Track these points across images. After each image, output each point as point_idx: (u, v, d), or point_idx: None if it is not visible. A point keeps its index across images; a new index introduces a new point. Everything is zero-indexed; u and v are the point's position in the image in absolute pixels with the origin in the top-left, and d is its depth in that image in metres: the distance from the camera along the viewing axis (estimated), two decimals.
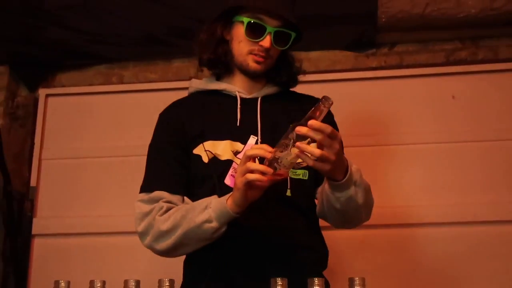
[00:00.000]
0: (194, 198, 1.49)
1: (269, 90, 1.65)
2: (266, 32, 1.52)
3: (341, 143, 1.30)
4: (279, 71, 1.64)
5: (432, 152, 2.56)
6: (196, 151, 1.53)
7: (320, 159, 1.26)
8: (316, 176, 1.55)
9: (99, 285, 0.97)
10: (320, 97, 1.28)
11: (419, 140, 2.58)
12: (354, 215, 1.51)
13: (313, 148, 1.26)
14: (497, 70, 2.62)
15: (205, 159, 1.52)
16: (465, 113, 2.59)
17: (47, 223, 2.71)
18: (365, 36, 2.67)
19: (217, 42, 1.60)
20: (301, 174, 1.53)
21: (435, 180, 2.53)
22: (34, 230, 2.70)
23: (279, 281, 0.93)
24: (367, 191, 1.48)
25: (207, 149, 1.52)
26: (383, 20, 2.45)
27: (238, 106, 1.59)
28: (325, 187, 1.45)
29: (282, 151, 1.27)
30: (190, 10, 2.45)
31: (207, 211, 1.37)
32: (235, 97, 1.61)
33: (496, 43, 2.72)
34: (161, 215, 1.46)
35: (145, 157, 2.71)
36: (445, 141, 2.57)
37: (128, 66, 2.97)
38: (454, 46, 2.74)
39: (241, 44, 1.56)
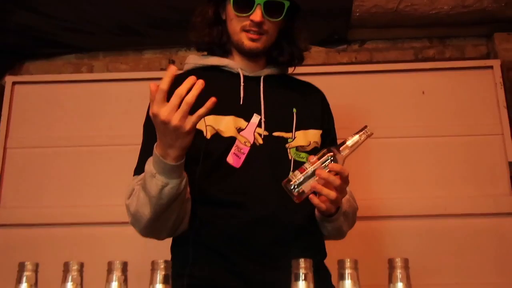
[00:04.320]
0: (191, 176, 1.38)
1: (271, 71, 1.59)
2: (256, 5, 1.45)
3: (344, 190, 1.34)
4: (282, 49, 1.58)
5: (404, 146, 2.60)
6: (197, 125, 1.42)
7: (331, 201, 1.30)
8: None
9: (75, 267, 0.88)
10: (362, 126, 1.33)
11: (390, 134, 2.62)
12: (336, 238, 1.56)
13: (329, 191, 1.29)
14: (464, 67, 2.68)
15: (207, 134, 1.43)
16: (435, 108, 2.64)
17: (11, 213, 2.64)
18: (337, 32, 2.70)
19: (209, 23, 1.55)
20: (305, 158, 1.47)
21: (406, 173, 2.58)
22: None
23: (302, 263, 0.82)
24: (354, 214, 1.51)
25: (208, 124, 1.44)
26: (357, 14, 2.48)
27: (241, 83, 1.52)
28: (315, 212, 1.46)
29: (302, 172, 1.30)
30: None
31: (148, 168, 1.30)
32: (237, 74, 1.54)
33: (463, 42, 2.79)
34: (129, 197, 1.39)
35: (114, 147, 2.74)
36: (416, 136, 2.62)
37: (99, 57, 2.94)
38: (422, 44, 2.81)
39: (232, 22, 1.50)
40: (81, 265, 0.86)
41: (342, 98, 2.68)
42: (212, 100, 1.20)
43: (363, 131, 1.32)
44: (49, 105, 2.81)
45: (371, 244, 2.49)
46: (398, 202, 2.53)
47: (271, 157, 1.44)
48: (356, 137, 1.31)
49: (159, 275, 0.82)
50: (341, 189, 1.30)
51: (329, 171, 1.28)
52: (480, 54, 2.77)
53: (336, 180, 1.27)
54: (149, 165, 1.29)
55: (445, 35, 2.76)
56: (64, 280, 0.84)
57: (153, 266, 0.83)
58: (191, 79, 1.19)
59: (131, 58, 2.92)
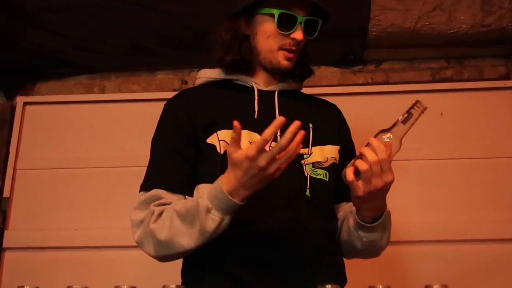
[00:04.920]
0: None
1: (287, 85, 1.55)
2: (297, 23, 1.41)
3: (389, 184, 1.25)
4: (299, 64, 1.53)
5: (422, 168, 2.53)
6: (210, 140, 1.39)
7: (366, 176, 1.22)
8: (337, 181, 1.46)
9: None
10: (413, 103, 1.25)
11: (408, 157, 2.53)
12: (370, 255, 1.47)
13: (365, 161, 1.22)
14: (482, 88, 2.62)
15: (221, 150, 1.38)
16: (453, 130, 2.58)
17: (19, 236, 2.58)
18: (352, 52, 2.66)
19: (240, 40, 1.48)
20: (322, 175, 1.43)
21: (424, 197, 2.50)
22: (6, 243, 2.56)
23: None
24: (390, 232, 1.42)
25: (221, 139, 1.39)
26: (373, 34, 2.43)
27: (256, 97, 1.47)
28: (349, 221, 1.38)
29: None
30: (180, 17, 2.39)
31: (202, 202, 1.25)
32: (251, 88, 1.50)
33: (481, 63, 2.73)
34: (154, 221, 1.32)
35: (125, 169, 2.69)
36: (435, 158, 2.54)
37: (111, 77, 2.90)
38: (440, 65, 2.75)
39: (270, 40, 1.44)
40: None
41: (357, 120, 2.62)
42: (302, 133, 1.16)
43: (415, 106, 1.25)
44: (60, 126, 2.77)
45: (390, 270, 2.40)
46: (417, 226, 2.44)
47: (287, 173, 1.38)
48: (407, 115, 1.25)
49: None
50: (377, 174, 1.21)
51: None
52: (499, 75, 2.70)
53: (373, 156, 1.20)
54: (203, 198, 1.24)
55: (463, 55, 2.70)
56: None
57: None
58: (293, 127, 1.14)
59: (143, 79, 2.89)
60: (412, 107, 1.25)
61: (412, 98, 2.61)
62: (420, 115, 1.24)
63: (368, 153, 1.20)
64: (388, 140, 1.23)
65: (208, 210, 1.22)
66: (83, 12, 2.41)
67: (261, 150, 1.12)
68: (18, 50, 2.63)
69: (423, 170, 2.54)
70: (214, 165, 1.36)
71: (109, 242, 2.53)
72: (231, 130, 1.38)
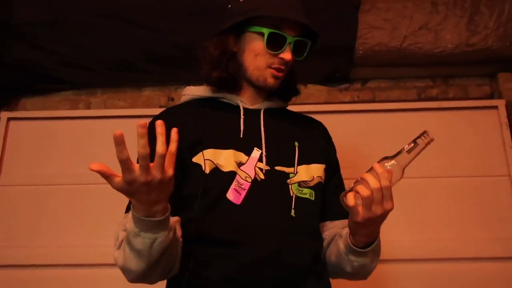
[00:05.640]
0: (190, 213, 1.34)
1: (272, 104, 1.54)
2: (287, 43, 1.40)
3: (388, 212, 1.24)
4: (286, 84, 1.52)
5: (407, 187, 2.52)
6: (195, 159, 1.38)
7: (367, 203, 1.20)
8: (323, 200, 1.46)
9: None
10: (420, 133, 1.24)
11: None
12: (358, 278, 1.45)
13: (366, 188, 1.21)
14: (468, 107, 2.64)
15: (206, 169, 1.37)
16: (439, 149, 2.59)
17: (3, 253, 2.53)
18: (339, 71, 2.67)
19: (229, 57, 1.47)
20: (308, 194, 1.42)
21: (409, 215, 2.50)
22: None
23: None
24: (379, 256, 1.42)
25: (206, 158, 1.38)
26: (360, 52, 2.45)
27: (241, 116, 1.47)
28: (339, 245, 1.37)
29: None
30: (167, 34, 2.39)
31: (129, 228, 1.21)
32: (236, 107, 1.49)
33: (466, 82, 2.76)
34: (118, 247, 1.30)
35: (109, 186, 2.65)
36: (419, 176, 2.54)
37: (96, 93, 2.89)
38: (425, 83, 2.77)
39: (258, 58, 1.43)
40: None
41: (344, 137, 2.63)
42: (175, 130, 1.11)
43: (422, 136, 1.24)
44: (45, 141, 2.74)
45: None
46: (402, 244, 2.44)
47: (272, 193, 1.38)
48: (413, 144, 1.24)
49: None
50: (378, 201, 1.21)
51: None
52: (484, 94, 2.73)
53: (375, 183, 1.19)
54: (130, 224, 1.21)
55: (449, 74, 2.72)
56: None
57: None
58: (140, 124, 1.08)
59: (129, 95, 2.87)
60: (418, 137, 1.25)
61: (398, 116, 2.67)
62: (426, 146, 1.24)
63: (371, 179, 1.20)
64: (391, 167, 1.22)
65: (136, 235, 1.19)
66: (70, 28, 2.40)
67: (129, 170, 1.08)
68: (3, 64, 2.60)
69: (409, 188, 2.54)
70: (198, 185, 1.35)
71: (93, 260, 2.49)
72: (218, 149, 1.39)
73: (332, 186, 1.54)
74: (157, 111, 2.74)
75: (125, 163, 1.07)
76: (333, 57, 2.53)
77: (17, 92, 2.85)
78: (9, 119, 2.77)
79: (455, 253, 2.42)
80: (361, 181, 1.22)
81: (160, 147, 1.07)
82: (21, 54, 2.53)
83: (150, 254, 1.20)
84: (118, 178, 1.10)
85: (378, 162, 1.24)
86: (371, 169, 1.22)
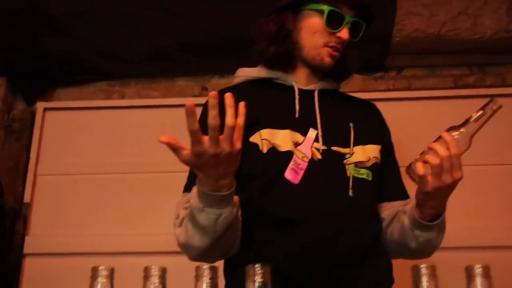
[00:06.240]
0: (249, 193, 1.33)
1: (326, 84, 1.54)
2: (345, 22, 1.42)
3: (458, 181, 1.23)
4: (339, 65, 1.52)
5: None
6: (252, 139, 1.38)
7: (436, 171, 1.20)
8: (380, 182, 1.45)
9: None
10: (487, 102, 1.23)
11: None
12: (423, 255, 1.43)
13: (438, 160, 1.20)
14: (505, 94, 2.60)
15: (263, 149, 1.37)
16: (475, 136, 2.55)
17: (40, 241, 2.56)
18: (375, 59, 2.65)
19: (286, 34, 1.46)
20: (365, 174, 1.42)
21: (461, 203, 2.46)
22: (26, 249, 2.55)
23: None
24: (444, 231, 1.40)
25: (264, 138, 1.38)
26: (397, 39, 2.42)
27: (296, 96, 1.46)
28: (403, 221, 1.36)
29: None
30: (203, 23, 2.38)
31: (194, 203, 1.21)
32: (290, 87, 1.49)
33: (503, 70, 2.72)
34: (179, 226, 1.30)
35: (145, 175, 2.68)
36: (470, 164, 2.52)
37: (130, 84, 2.90)
38: (462, 72, 2.74)
39: (315, 36, 1.44)
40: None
41: None
42: (243, 104, 1.11)
43: (489, 105, 1.23)
44: (80, 131, 2.77)
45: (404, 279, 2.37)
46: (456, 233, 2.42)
47: (330, 173, 1.38)
48: (481, 112, 1.23)
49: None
50: (448, 169, 1.20)
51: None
52: None
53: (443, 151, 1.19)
54: (194, 200, 1.21)
55: (485, 62, 2.68)
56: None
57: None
58: (228, 100, 1.08)
59: (163, 85, 2.88)
60: (486, 105, 1.24)
61: (434, 104, 2.64)
62: (493, 113, 1.23)
63: (440, 148, 1.20)
64: (458, 136, 1.21)
65: (201, 210, 1.20)
66: (106, 17, 2.40)
67: (199, 142, 1.08)
68: (39, 55, 2.62)
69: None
70: (256, 164, 1.35)
71: (128, 249, 2.50)
72: (275, 129, 1.39)
73: (388, 167, 1.53)
74: (191, 100, 2.76)
75: (195, 135, 1.07)
76: (368, 44, 2.51)
77: (52, 83, 2.87)
78: (45, 109, 2.80)
79: (484, 241, 2.39)
80: (428, 151, 1.21)
81: (229, 119, 1.07)
82: (56, 44, 2.55)
83: (215, 230, 1.21)
84: (186, 151, 1.10)
85: (446, 131, 1.23)
86: (438, 139, 1.21)
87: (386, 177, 1.51)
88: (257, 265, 0.75)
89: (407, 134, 2.58)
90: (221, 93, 1.51)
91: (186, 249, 1.29)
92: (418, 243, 1.35)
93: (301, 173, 1.35)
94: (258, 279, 0.75)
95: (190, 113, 1.05)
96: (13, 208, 2.61)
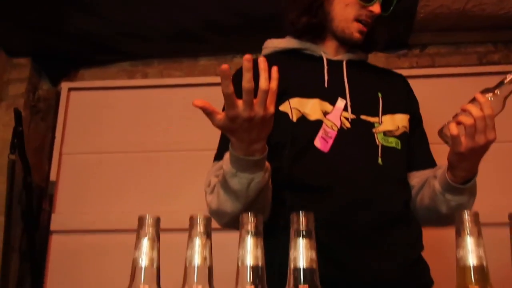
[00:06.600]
0: (279, 161, 1.33)
1: (354, 55, 1.54)
2: None
3: (491, 143, 1.23)
4: (368, 36, 1.51)
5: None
6: (282, 108, 1.38)
7: (470, 132, 1.19)
8: (409, 151, 1.45)
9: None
10: None
11: None
12: (452, 221, 1.43)
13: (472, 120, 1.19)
14: None
15: (293, 118, 1.38)
16: (500, 113, 2.53)
17: (66, 219, 2.61)
18: (398, 36, 2.63)
19: (319, 4, 1.46)
20: (394, 143, 1.42)
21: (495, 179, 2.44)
22: (53, 226, 2.60)
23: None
24: (475, 196, 1.39)
25: (293, 107, 1.38)
26: (421, 16, 2.40)
27: (325, 66, 1.46)
28: (434, 186, 1.35)
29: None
30: (227, 1, 2.38)
31: (227, 168, 1.23)
32: (319, 58, 1.49)
33: None
34: (210, 192, 1.32)
35: (168, 153, 2.70)
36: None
37: (153, 64, 2.92)
38: (486, 49, 2.71)
39: (347, 8, 1.43)
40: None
41: None
42: (275, 68, 1.10)
43: None
44: (104, 111, 2.80)
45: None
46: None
47: (359, 142, 1.38)
48: None
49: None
50: (481, 130, 1.19)
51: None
52: None
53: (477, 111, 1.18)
54: (227, 165, 1.22)
55: (511, 39, 2.65)
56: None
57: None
58: (261, 63, 1.08)
59: (185, 65, 2.89)
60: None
61: (458, 81, 2.61)
62: None
63: (474, 108, 1.19)
64: (492, 98, 1.21)
65: (233, 175, 1.21)
66: None
67: (233, 105, 1.08)
68: (63, 35, 2.65)
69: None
70: (286, 132, 1.36)
71: None
72: (304, 98, 1.39)
73: (416, 136, 1.53)
74: (213, 79, 2.76)
75: (229, 98, 1.07)
76: (392, 21, 2.48)
77: (75, 63, 2.91)
78: (69, 89, 2.83)
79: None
80: (461, 112, 1.21)
81: (263, 82, 1.07)
82: (80, 24, 2.57)
83: (247, 195, 1.22)
84: (220, 115, 1.11)
85: (480, 92, 1.22)
86: (472, 100, 1.21)
87: (415, 147, 1.51)
88: (301, 212, 0.76)
89: (431, 111, 2.56)
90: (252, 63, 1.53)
91: (217, 215, 1.30)
92: (449, 208, 1.35)
93: (331, 141, 1.36)
94: (303, 227, 0.76)
95: (225, 76, 1.06)
96: (40, 186, 2.66)
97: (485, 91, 1.23)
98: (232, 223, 1.30)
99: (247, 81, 1.05)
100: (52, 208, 2.63)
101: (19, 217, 2.54)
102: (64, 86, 2.83)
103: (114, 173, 2.67)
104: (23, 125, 2.56)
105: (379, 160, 1.37)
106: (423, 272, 1.37)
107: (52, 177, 2.67)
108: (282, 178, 1.34)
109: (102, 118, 2.78)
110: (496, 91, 1.22)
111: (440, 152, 2.37)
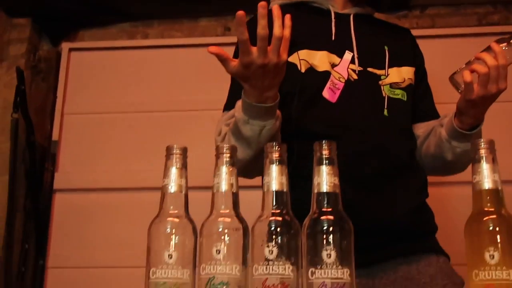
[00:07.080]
0: (288, 110, 1.36)
1: (362, 9, 1.56)
2: None
3: (502, 91, 1.26)
4: None
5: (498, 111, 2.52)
6: (291, 59, 1.39)
7: (483, 79, 1.22)
8: (414, 103, 1.49)
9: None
10: None
11: (452, 100, 2.53)
12: (458, 168, 1.47)
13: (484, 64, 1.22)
14: None
15: (302, 68, 1.41)
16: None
17: (68, 177, 2.63)
18: None
19: None
20: (400, 94, 1.46)
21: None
22: (56, 185, 2.62)
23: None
24: None
25: (302, 58, 1.41)
26: None
27: (333, 19, 1.49)
28: (440, 133, 1.39)
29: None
30: None
31: (239, 116, 1.26)
32: (326, 11, 1.52)
33: None
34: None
35: (169, 113, 2.72)
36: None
37: (153, 24, 2.91)
38: (486, 10, 2.73)
39: None
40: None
41: None
42: (288, 16, 1.14)
43: None
44: (105, 71, 2.80)
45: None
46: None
47: (366, 93, 1.42)
48: None
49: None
50: (495, 79, 1.23)
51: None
52: None
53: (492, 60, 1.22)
54: (239, 112, 1.25)
55: (510, 0, 2.67)
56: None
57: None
58: (275, 11, 1.11)
59: (185, 26, 2.89)
60: None
61: (458, 42, 2.63)
62: None
63: (488, 57, 1.22)
64: (506, 48, 1.24)
65: (245, 122, 1.24)
66: None
67: (247, 52, 1.11)
68: None
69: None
70: (295, 83, 1.39)
71: (158, 183, 2.55)
72: (312, 50, 1.42)
73: (421, 89, 1.57)
74: (214, 39, 2.77)
75: (244, 44, 1.10)
76: None
77: (75, 24, 2.89)
78: (70, 49, 2.83)
79: None
80: (475, 61, 1.24)
81: (277, 29, 1.10)
82: None
83: (258, 141, 1.25)
84: (234, 62, 1.14)
85: (495, 42, 1.25)
86: (486, 49, 1.24)
87: (420, 99, 1.55)
88: (324, 141, 0.79)
89: (431, 72, 2.58)
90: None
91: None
92: (455, 155, 1.39)
93: (338, 92, 1.40)
94: (326, 154, 0.79)
95: (240, 23, 1.08)
96: (42, 145, 2.67)
97: (500, 41, 1.25)
98: (243, 169, 1.33)
99: (262, 28, 1.08)
100: (55, 167, 2.65)
101: (23, 176, 2.56)
102: (65, 46, 2.82)
103: (115, 132, 2.70)
104: (25, 85, 2.56)
105: (385, 111, 1.41)
106: (428, 218, 1.42)
107: (55, 136, 2.69)
108: (291, 127, 1.37)
109: (103, 79, 2.78)
110: (511, 41, 1.24)
111: (440, 112, 2.42)
